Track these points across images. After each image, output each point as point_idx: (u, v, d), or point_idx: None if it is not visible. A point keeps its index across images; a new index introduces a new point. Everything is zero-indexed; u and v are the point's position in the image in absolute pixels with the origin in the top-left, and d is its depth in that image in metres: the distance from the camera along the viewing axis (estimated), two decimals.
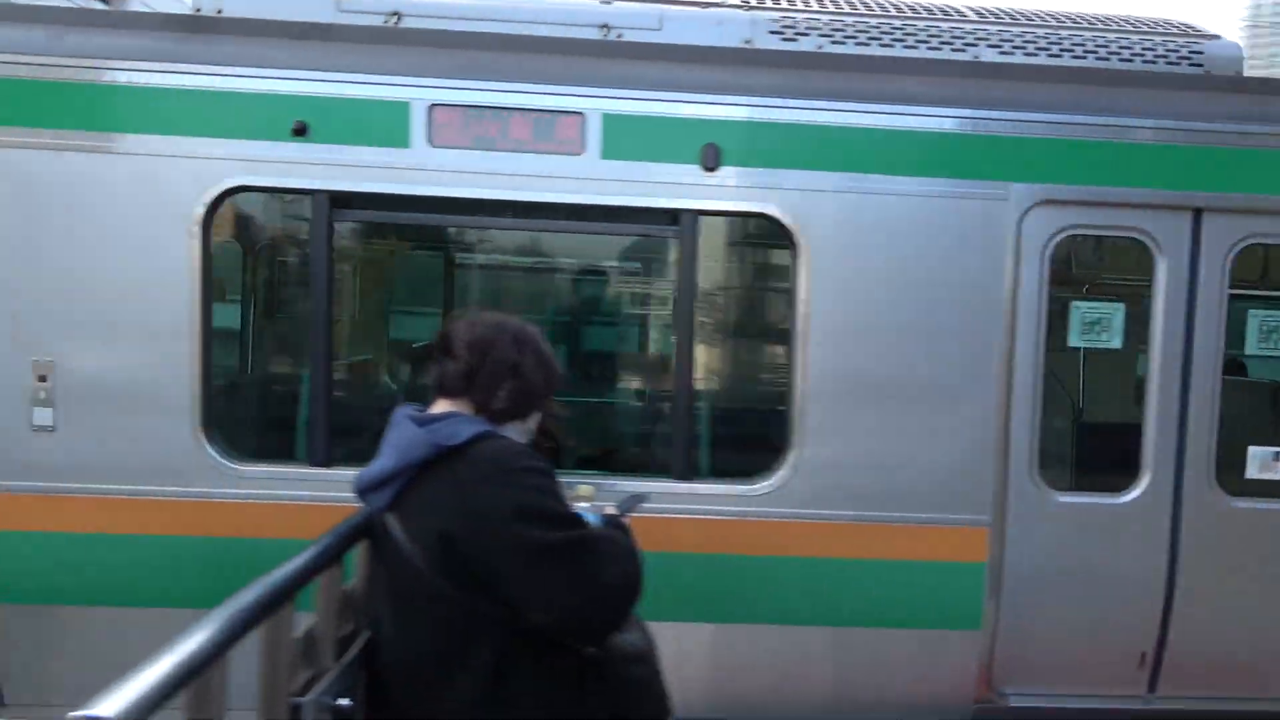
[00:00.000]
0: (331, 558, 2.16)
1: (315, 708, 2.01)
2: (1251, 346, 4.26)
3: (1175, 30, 4.61)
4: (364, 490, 2.11)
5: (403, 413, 2.12)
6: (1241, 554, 4.10)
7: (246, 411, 4.63)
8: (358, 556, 2.30)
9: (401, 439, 2.05)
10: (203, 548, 3.76)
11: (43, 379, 3.72)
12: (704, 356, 4.45)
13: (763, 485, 3.91)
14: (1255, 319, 4.21)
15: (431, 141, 3.78)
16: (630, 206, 3.86)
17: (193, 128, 3.74)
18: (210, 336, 3.81)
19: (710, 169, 3.83)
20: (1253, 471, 4.15)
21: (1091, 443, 4.63)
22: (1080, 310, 4.13)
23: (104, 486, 3.75)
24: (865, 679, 4.02)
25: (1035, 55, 4.33)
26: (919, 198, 3.89)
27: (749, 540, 3.90)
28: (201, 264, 3.76)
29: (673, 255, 4.16)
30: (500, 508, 1.94)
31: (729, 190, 3.87)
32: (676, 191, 3.84)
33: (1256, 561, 4.11)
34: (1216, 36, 4.58)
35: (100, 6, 4.72)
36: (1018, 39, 4.39)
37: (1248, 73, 4.60)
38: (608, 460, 4.29)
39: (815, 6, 4.50)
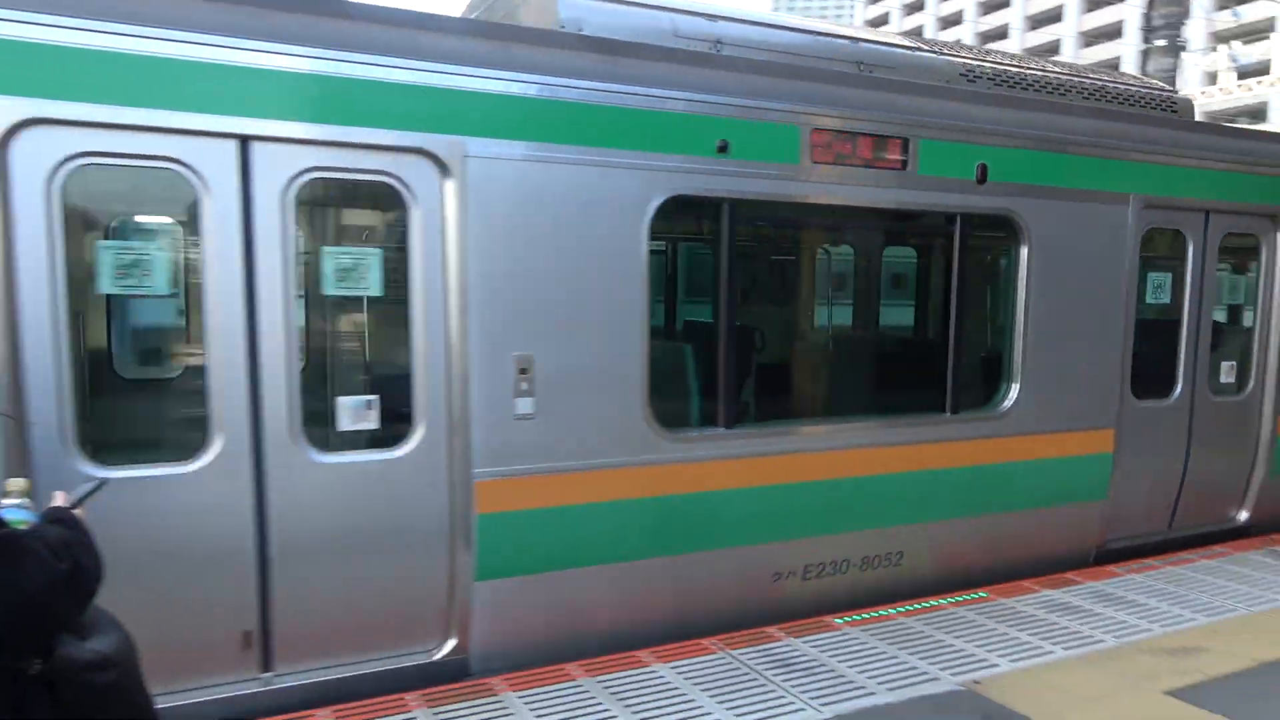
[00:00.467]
0: None
1: None
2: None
3: None
4: None
5: None
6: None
7: (674, 389, 5.03)
8: None
9: None
10: (651, 507, 4.42)
11: (524, 371, 4.10)
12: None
13: (999, 407, 5.39)
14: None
15: (811, 159, 4.68)
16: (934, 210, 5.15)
17: (644, 143, 4.27)
18: (649, 329, 4.39)
19: (980, 182, 5.16)
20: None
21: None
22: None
23: (571, 464, 4.25)
24: None
25: None
26: None
27: (993, 452, 5.40)
28: (647, 265, 4.33)
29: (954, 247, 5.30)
30: None
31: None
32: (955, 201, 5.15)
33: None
34: None
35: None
36: None
37: None
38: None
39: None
